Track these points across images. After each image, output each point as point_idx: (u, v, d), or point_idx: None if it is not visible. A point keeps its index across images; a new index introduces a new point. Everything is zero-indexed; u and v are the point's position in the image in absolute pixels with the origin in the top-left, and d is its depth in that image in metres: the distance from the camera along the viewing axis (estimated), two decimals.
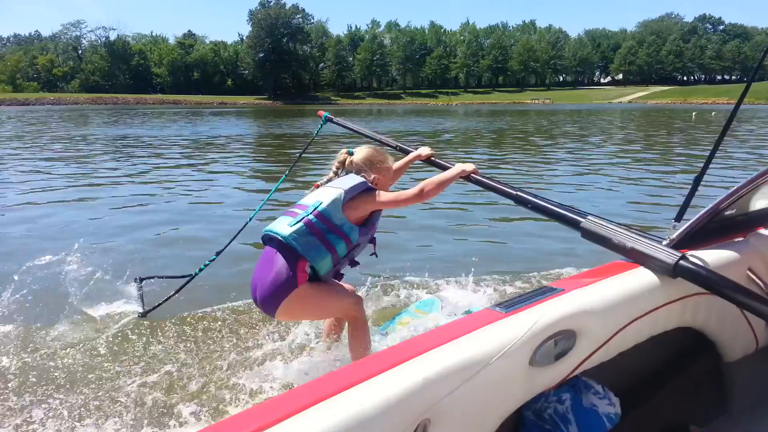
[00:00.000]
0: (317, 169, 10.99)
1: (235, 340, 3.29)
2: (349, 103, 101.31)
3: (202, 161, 13.44)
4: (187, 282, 3.60)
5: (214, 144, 18.57)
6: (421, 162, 3.10)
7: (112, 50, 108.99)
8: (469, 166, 2.65)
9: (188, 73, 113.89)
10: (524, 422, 1.59)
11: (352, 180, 2.56)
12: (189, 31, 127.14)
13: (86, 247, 4.18)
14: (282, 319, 2.71)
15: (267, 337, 3.25)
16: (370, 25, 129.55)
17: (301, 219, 2.40)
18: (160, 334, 3.41)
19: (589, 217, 1.98)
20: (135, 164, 12.53)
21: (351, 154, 2.76)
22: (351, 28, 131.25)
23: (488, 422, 1.36)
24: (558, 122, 33.50)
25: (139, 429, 2.47)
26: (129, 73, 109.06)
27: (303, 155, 4.19)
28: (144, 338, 3.36)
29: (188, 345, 3.27)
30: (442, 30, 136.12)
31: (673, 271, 1.61)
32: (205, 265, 3.54)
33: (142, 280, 3.82)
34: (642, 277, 1.65)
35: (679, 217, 1.89)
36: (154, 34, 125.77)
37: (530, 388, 1.44)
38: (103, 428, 2.46)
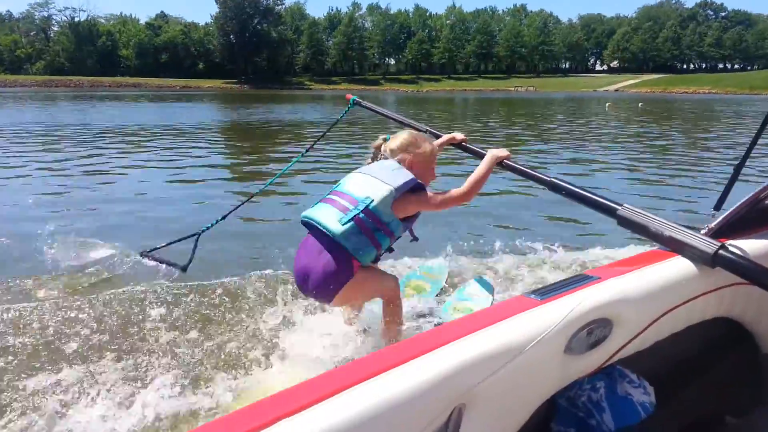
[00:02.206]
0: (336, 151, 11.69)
1: (255, 314, 3.39)
2: (323, 89, 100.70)
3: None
4: (198, 236, 3.78)
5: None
6: (451, 146, 3.14)
7: (77, 31, 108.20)
8: (502, 152, 2.68)
9: (157, 56, 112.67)
10: (557, 409, 1.61)
11: (402, 175, 2.50)
12: (162, 12, 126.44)
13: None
14: (337, 305, 2.74)
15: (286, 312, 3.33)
16: (350, 8, 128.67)
17: (353, 217, 2.39)
18: (190, 301, 3.53)
19: (625, 204, 2.01)
20: None
21: (386, 140, 2.78)
22: (332, 10, 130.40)
23: (522, 409, 1.40)
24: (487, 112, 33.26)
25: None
26: (96, 55, 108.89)
27: (321, 139, 4.33)
28: (178, 305, 3.47)
29: (210, 314, 3.40)
30: (427, 13, 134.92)
31: (713, 261, 1.61)
32: (211, 225, 3.78)
33: (146, 253, 3.89)
34: (679, 266, 1.66)
35: (718, 206, 1.94)
36: (124, 15, 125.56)
37: (565, 376, 1.47)
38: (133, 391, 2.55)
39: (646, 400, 1.61)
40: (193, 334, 3.12)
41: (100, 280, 3.96)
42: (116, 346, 2.96)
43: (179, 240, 3.71)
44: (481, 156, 2.78)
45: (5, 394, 2.52)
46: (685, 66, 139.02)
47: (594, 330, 1.44)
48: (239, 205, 3.82)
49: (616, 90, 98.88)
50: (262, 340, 3.02)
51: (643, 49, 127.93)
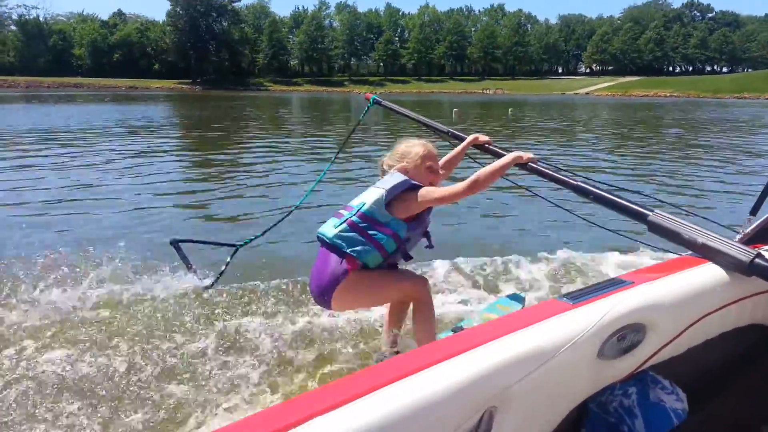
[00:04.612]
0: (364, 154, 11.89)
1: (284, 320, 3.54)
2: (283, 90, 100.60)
3: None
4: (235, 252, 3.97)
5: None
6: (475, 148, 3.18)
7: (26, 30, 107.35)
8: (525, 154, 2.68)
9: (110, 55, 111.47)
10: (588, 414, 1.63)
11: (394, 179, 2.66)
12: (119, 10, 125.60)
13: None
14: (338, 309, 2.82)
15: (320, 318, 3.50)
16: (317, 6, 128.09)
17: (345, 220, 2.60)
18: (220, 305, 3.66)
19: (656, 210, 2.03)
20: None
21: None
22: (297, 9, 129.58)
23: (554, 413, 1.42)
24: None
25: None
26: (48, 54, 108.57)
27: (349, 140, 4.63)
28: (207, 309, 3.60)
29: (242, 317, 3.55)
30: (399, 13, 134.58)
31: (749, 269, 1.64)
32: (250, 240, 3.97)
33: (176, 243, 4.01)
34: (714, 273, 1.68)
35: (754, 211, 1.98)
36: (86, 13, 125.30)
37: (597, 381, 1.50)
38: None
39: (678, 407, 1.61)
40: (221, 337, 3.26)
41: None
42: (147, 349, 3.10)
43: (214, 243, 3.87)
44: None
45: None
46: (670, 68, 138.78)
47: (627, 335, 1.46)
48: (280, 220, 3.94)
49: (587, 93, 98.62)
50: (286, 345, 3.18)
51: (624, 51, 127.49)
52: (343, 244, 2.56)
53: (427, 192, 2.60)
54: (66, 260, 3.98)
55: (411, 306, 2.88)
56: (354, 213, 2.61)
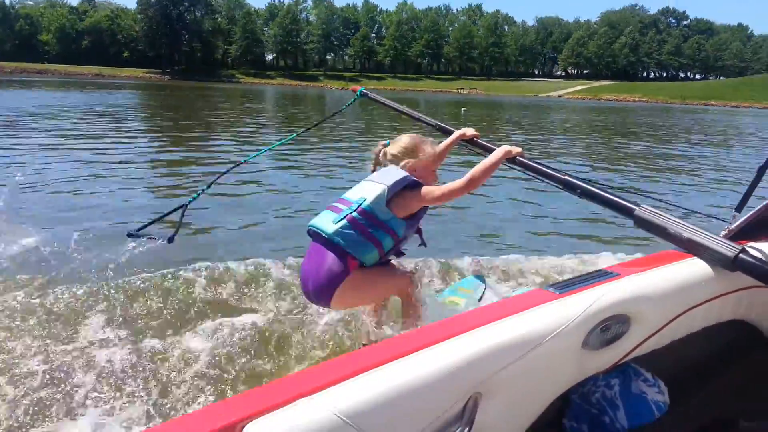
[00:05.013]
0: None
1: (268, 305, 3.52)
2: (253, 83, 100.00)
3: None
4: (177, 210, 3.78)
5: None
6: (463, 143, 3.12)
7: None
8: (514, 148, 2.68)
9: (79, 42, 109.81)
10: (571, 405, 1.64)
11: (395, 174, 2.60)
12: None
13: None
14: (337, 308, 2.80)
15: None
16: None
17: (345, 216, 2.51)
18: (186, 289, 3.66)
19: (643, 205, 2.03)
20: None
21: (387, 145, 2.86)
22: (274, 1, 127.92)
23: (537, 401, 1.44)
24: None
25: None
26: (14, 39, 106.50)
27: (321, 124, 5.21)
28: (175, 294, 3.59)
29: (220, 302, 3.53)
30: (376, 9, 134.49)
31: (733, 264, 1.65)
32: (197, 195, 3.81)
33: (133, 233, 3.83)
34: (699, 267, 1.70)
35: (740, 207, 2.02)
36: None
37: (581, 371, 1.52)
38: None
39: (660, 400, 1.63)
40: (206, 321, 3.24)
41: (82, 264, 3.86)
42: (125, 333, 3.04)
43: (166, 214, 3.68)
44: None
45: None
46: (644, 74, 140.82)
47: (611, 326, 1.48)
48: (226, 171, 3.79)
49: (559, 96, 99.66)
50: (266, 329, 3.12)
51: (599, 55, 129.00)
52: (343, 242, 2.48)
53: (428, 191, 2.56)
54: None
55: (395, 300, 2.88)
56: (354, 209, 2.52)
